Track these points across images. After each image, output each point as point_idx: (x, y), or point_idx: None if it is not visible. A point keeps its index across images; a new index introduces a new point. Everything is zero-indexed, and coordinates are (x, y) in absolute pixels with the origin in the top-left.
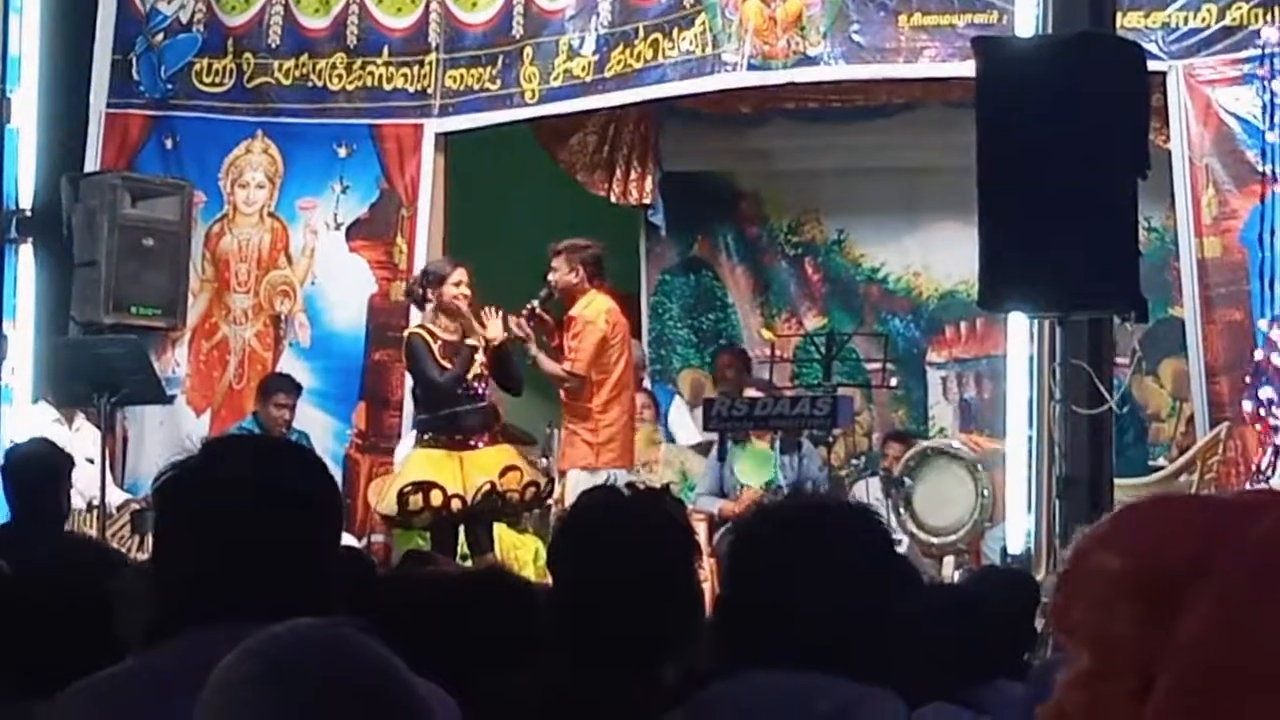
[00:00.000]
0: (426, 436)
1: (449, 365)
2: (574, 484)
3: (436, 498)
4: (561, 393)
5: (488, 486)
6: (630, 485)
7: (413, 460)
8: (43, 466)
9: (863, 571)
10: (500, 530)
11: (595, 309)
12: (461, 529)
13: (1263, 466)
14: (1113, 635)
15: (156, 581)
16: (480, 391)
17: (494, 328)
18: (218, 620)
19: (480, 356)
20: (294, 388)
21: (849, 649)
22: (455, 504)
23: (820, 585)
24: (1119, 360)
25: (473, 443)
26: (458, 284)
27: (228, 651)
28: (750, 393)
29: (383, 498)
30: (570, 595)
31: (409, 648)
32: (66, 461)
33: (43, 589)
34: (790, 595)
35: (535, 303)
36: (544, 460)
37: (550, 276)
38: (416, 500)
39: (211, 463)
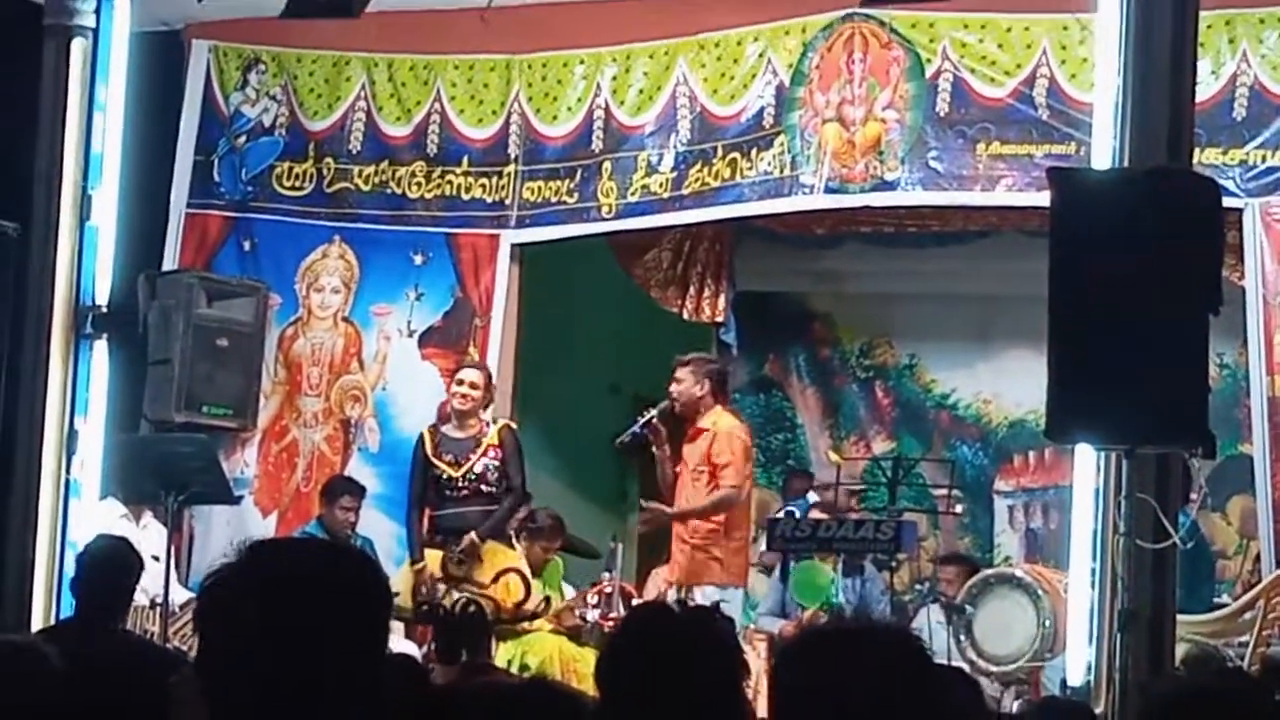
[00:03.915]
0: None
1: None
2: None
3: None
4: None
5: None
6: (680, 602)
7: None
8: (118, 565)
9: (906, 699)
10: (560, 643)
11: (728, 422)
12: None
13: None
14: None
15: (204, 684)
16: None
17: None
18: None
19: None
20: (359, 490)
21: None
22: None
23: (861, 710)
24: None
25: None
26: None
27: None
28: (815, 514)
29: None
30: (618, 709)
31: None
32: (139, 563)
33: (101, 686)
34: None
35: (654, 413)
36: (607, 574)
37: (673, 388)
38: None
39: (255, 567)
